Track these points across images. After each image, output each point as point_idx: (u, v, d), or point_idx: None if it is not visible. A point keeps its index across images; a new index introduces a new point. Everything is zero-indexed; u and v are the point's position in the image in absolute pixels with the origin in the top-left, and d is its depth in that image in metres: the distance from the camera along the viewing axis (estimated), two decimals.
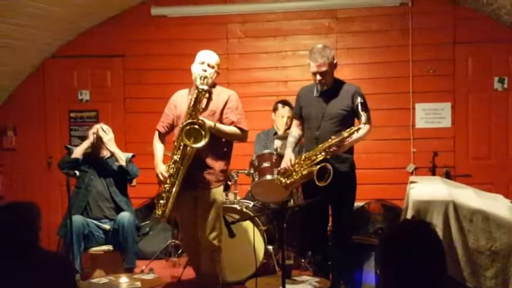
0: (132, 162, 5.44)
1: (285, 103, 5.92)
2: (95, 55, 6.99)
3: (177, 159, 4.48)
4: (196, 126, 4.33)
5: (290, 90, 6.35)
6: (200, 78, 4.43)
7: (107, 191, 5.37)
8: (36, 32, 6.24)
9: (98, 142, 5.36)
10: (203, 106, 4.41)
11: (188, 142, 4.33)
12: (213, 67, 4.58)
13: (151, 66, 6.91)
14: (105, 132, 5.33)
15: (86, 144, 5.41)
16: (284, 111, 5.89)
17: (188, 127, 4.33)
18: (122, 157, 5.35)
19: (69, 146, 5.56)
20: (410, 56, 6.46)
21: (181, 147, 4.44)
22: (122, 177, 5.40)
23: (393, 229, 2.12)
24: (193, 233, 4.68)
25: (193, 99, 4.37)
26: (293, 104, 5.14)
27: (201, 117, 4.37)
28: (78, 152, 5.36)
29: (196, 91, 4.39)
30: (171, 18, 6.89)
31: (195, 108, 4.37)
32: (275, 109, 6.03)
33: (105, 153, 5.46)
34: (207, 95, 4.39)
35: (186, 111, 4.44)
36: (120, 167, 5.33)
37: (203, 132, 4.31)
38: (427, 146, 6.35)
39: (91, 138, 5.37)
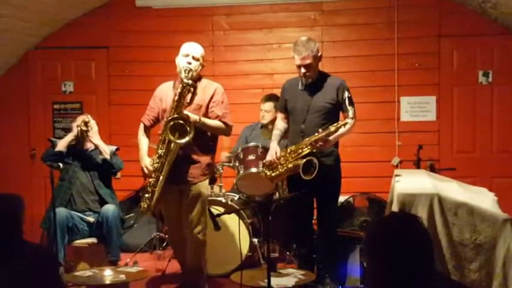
0: (116, 155, 5.41)
1: (266, 98, 5.90)
2: (79, 46, 6.93)
3: (162, 154, 4.45)
4: (181, 121, 4.29)
5: (276, 83, 6.35)
6: (185, 71, 4.39)
7: (91, 183, 5.34)
8: (19, 23, 6.17)
9: (82, 135, 5.32)
10: (187, 100, 4.36)
11: (172, 138, 4.29)
12: (197, 60, 4.54)
13: (136, 58, 6.86)
14: (89, 125, 5.29)
15: (69, 136, 5.37)
16: (263, 106, 5.89)
17: (172, 122, 4.29)
18: (106, 150, 5.32)
19: (52, 139, 5.51)
20: (395, 49, 6.47)
21: (166, 142, 4.41)
22: (106, 170, 5.36)
23: (381, 222, 2.12)
24: (179, 226, 4.66)
25: (177, 94, 4.33)
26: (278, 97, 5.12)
27: (186, 112, 4.34)
28: (61, 145, 5.31)
29: (180, 85, 4.35)
30: (156, 10, 6.83)
31: (179, 103, 4.32)
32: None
33: (89, 146, 5.42)
34: (191, 89, 4.35)
35: (171, 105, 4.39)
36: (104, 160, 5.30)
37: (188, 128, 4.27)
38: (412, 140, 6.36)
39: (75, 130, 5.33)
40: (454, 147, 6.51)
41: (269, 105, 5.80)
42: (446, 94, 6.49)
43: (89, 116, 5.38)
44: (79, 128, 5.29)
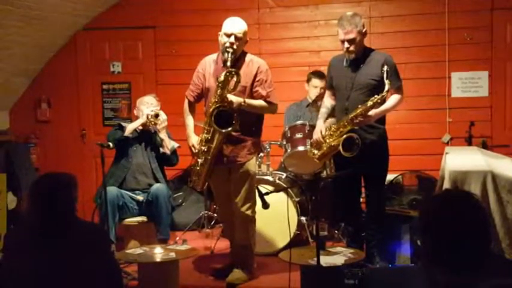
0: (176, 152, 5.45)
1: (320, 75, 5.81)
2: (126, 27, 6.99)
3: (209, 138, 4.45)
4: (226, 110, 4.29)
5: (322, 60, 6.27)
6: (227, 53, 4.34)
7: (148, 165, 5.39)
8: (69, 4, 6.26)
9: (151, 125, 5.35)
10: (231, 87, 4.32)
11: (217, 128, 4.31)
12: (240, 39, 4.43)
13: (183, 38, 6.88)
14: (159, 118, 5.31)
15: (138, 123, 5.39)
16: (317, 82, 5.79)
17: (217, 111, 4.29)
18: (169, 146, 5.36)
19: (123, 123, 5.50)
20: (446, 24, 6.30)
21: (211, 126, 4.40)
22: (160, 159, 5.43)
23: (437, 198, 2.06)
24: (228, 204, 4.67)
25: (221, 81, 4.27)
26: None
27: (229, 96, 4.29)
28: (129, 130, 5.35)
29: (224, 73, 4.28)
30: None
31: (223, 90, 4.29)
32: (308, 80, 5.94)
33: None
34: (235, 77, 4.32)
35: (215, 90, 4.35)
36: (164, 153, 5.36)
37: (232, 117, 4.27)
38: (463, 116, 6.21)
39: (144, 118, 5.34)
40: (507, 123, 6.33)
41: (324, 83, 5.74)
42: (499, 69, 6.30)
43: (160, 111, 5.38)
44: (150, 119, 5.32)
